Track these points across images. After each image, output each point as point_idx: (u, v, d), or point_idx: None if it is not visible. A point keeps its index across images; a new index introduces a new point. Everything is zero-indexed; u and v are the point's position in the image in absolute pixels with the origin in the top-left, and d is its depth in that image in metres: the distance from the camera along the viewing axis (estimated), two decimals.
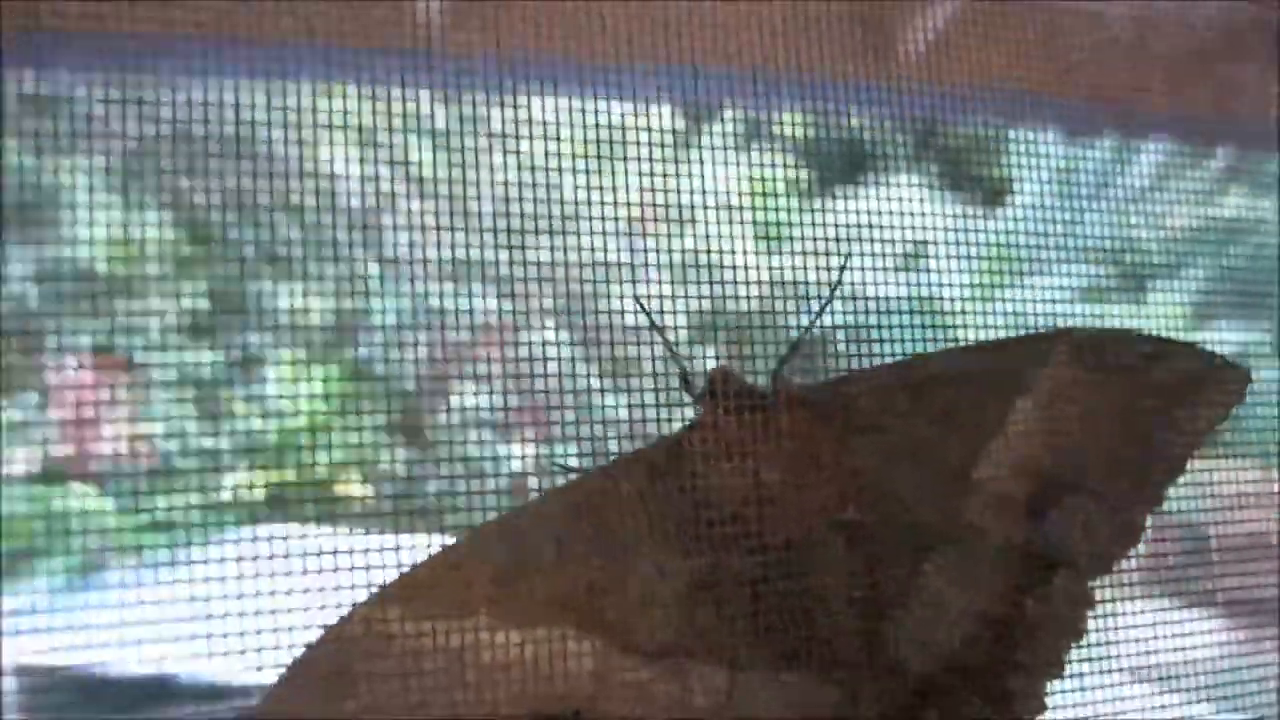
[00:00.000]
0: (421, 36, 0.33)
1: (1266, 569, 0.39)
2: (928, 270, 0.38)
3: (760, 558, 0.26)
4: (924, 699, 0.26)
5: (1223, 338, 0.35)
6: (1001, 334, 0.35)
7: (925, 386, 0.26)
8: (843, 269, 0.30)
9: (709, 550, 0.26)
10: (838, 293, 0.29)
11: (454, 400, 0.40)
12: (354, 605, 0.27)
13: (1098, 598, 0.27)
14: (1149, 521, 0.27)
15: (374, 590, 0.28)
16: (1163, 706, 0.38)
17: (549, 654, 0.24)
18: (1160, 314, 0.36)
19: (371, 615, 0.26)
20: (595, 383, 0.40)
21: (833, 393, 0.27)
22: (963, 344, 0.29)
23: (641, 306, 0.30)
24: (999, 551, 0.26)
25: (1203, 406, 0.26)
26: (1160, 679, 0.40)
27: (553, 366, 0.38)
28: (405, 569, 0.27)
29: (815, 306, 0.29)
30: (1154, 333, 0.29)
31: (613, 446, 0.41)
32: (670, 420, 0.40)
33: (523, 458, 0.41)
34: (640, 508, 0.26)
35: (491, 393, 0.38)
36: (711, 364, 0.28)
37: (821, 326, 0.29)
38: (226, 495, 0.37)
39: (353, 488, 0.41)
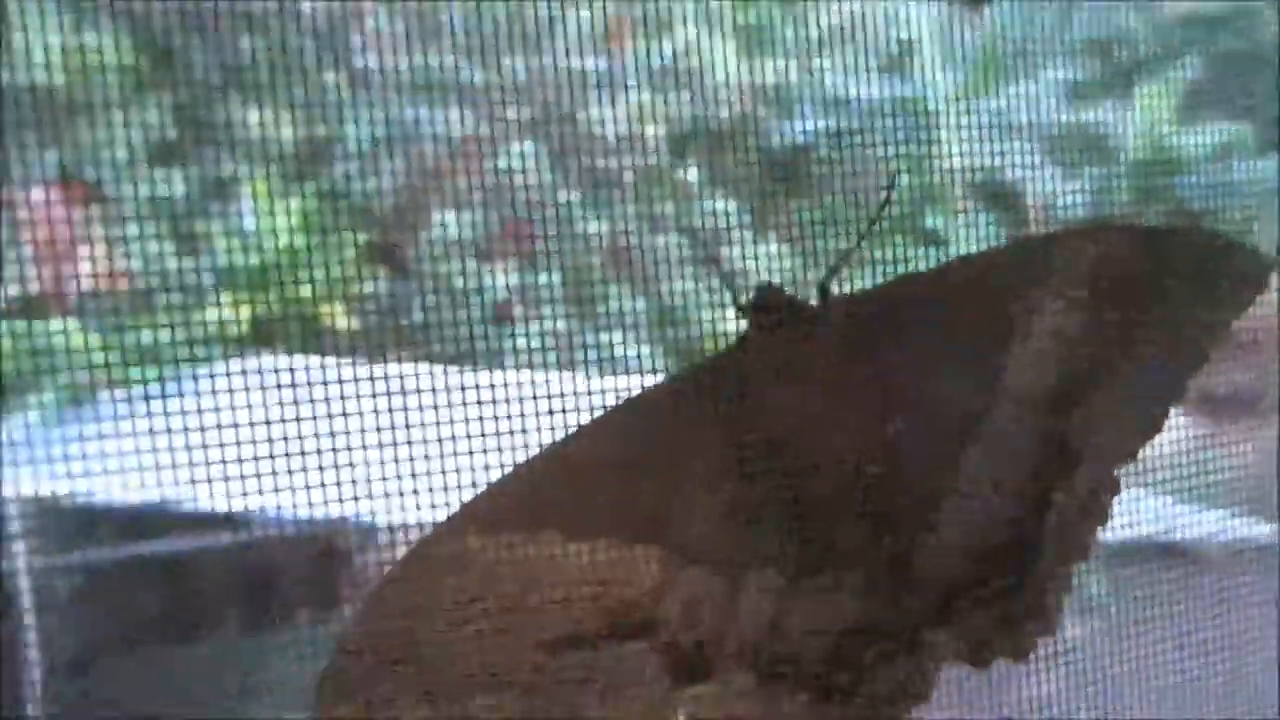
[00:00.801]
0: None
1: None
2: (912, 72, 0.37)
3: (810, 474, 0.27)
4: (965, 588, 0.28)
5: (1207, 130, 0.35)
6: (988, 134, 0.35)
7: (957, 292, 0.27)
8: (890, 187, 0.30)
9: (761, 468, 0.27)
10: (887, 210, 0.29)
11: (432, 222, 0.40)
12: (420, 537, 0.28)
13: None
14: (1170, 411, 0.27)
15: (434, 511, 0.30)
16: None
17: (619, 566, 0.26)
18: (1147, 108, 0.36)
19: (442, 541, 0.26)
20: (575, 198, 0.39)
21: (869, 303, 0.28)
22: (994, 241, 0.30)
23: (693, 234, 0.30)
24: (1028, 447, 0.27)
25: (1228, 296, 0.27)
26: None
27: (532, 183, 0.38)
28: (468, 499, 0.28)
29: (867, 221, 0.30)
30: (1171, 221, 0.30)
31: (596, 265, 0.41)
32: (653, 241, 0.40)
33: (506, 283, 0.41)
34: (694, 427, 0.27)
35: (473, 210, 0.38)
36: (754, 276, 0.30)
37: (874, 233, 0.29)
38: (209, 325, 0.37)
39: (335, 315, 0.40)
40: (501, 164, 0.38)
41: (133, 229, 0.36)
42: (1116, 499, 0.27)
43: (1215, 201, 0.37)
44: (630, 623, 0.26)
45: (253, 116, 0.37)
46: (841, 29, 0.34)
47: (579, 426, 0.28)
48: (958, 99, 0.35)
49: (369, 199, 0.40)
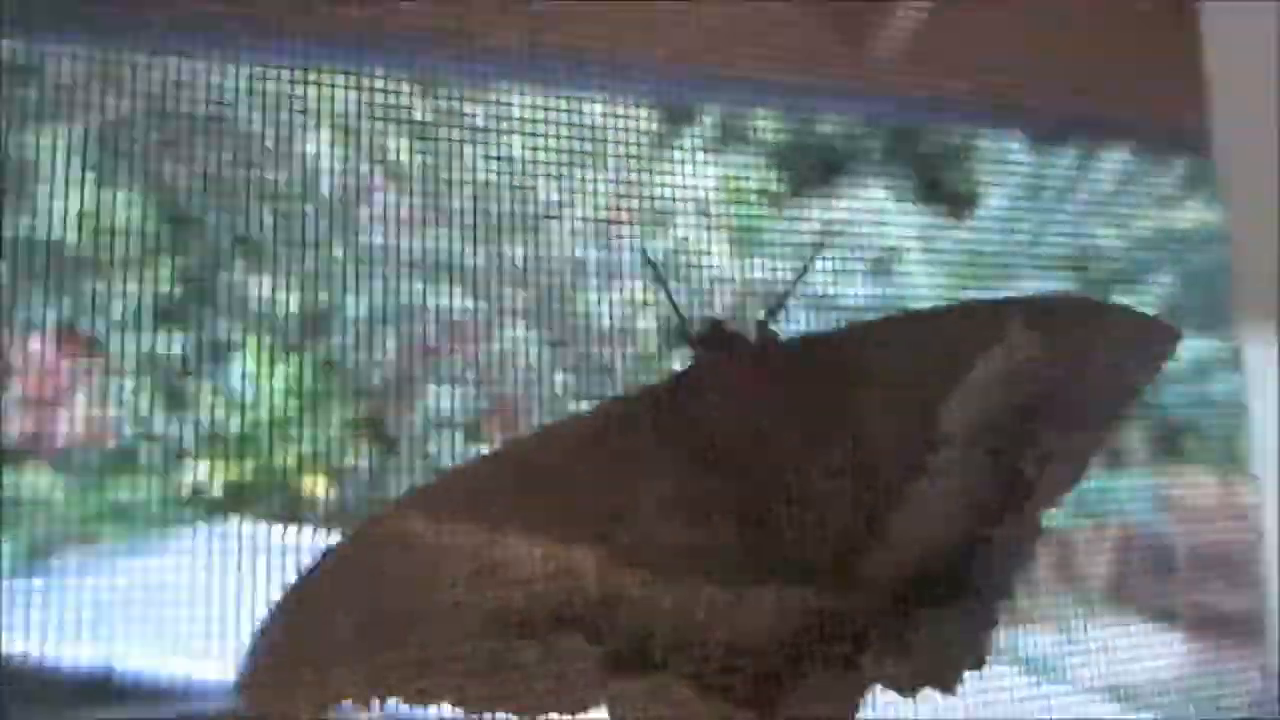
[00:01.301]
0: (405, 25, 0.33)
1: (1229, 583, 0.40)
2: (896, 275, 0.38)
3: (750, 485, 0.28)
4: (896, 610, 0.29)
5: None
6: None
7: (892, 344, 0.29)
8: (822, 243, 0.32)
9: (705, 479, 0.28)
10: (820, 254, 0.32)
11: (423, 398, 0.40)
12: (374, 512, 0.29)
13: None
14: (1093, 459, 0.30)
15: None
16: None
17: (562, 562, 0.27)
18: None
19: (393, 519, 0.27)
20: (566, 383, 0.40)
21: (808, 345, 0.30)
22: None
23: (646, 258, 0.31)
24: (964, 488, 0.29)
25: (1139, 359, 0.30)
26: (1126, 697, 0.40)
27: (524, 366, 0.38)
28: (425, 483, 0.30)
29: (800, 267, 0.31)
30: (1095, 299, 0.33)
31: None
32: None
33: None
34: (643, 439, 0.28)
35: (462, 391, 0.38)
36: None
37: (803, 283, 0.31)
38: (186, 486, 0.37)
39: (316, 485, 0.40)
40: (496, 346, 0.39)
41: (124, 384, 0.36)
42: (1040, 541, 0.30)
43: (1195, 412, 0.38)
44: (569, 616, 0.27)
45: (256, 283, 0.38)
46: (829, 232, 0.36)
47: (535, 430, 0.29)
48: (940, 301, 0.37)
49: (362, 371, 0.40)
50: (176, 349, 0.37)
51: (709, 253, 0.37)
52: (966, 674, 0.29)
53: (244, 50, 0.32)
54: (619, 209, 0.38)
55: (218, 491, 0.38)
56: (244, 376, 0.39)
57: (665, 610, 0.27)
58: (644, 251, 0.32)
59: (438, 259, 0.37)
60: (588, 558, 0.27)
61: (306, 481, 0.40)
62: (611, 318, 0.39)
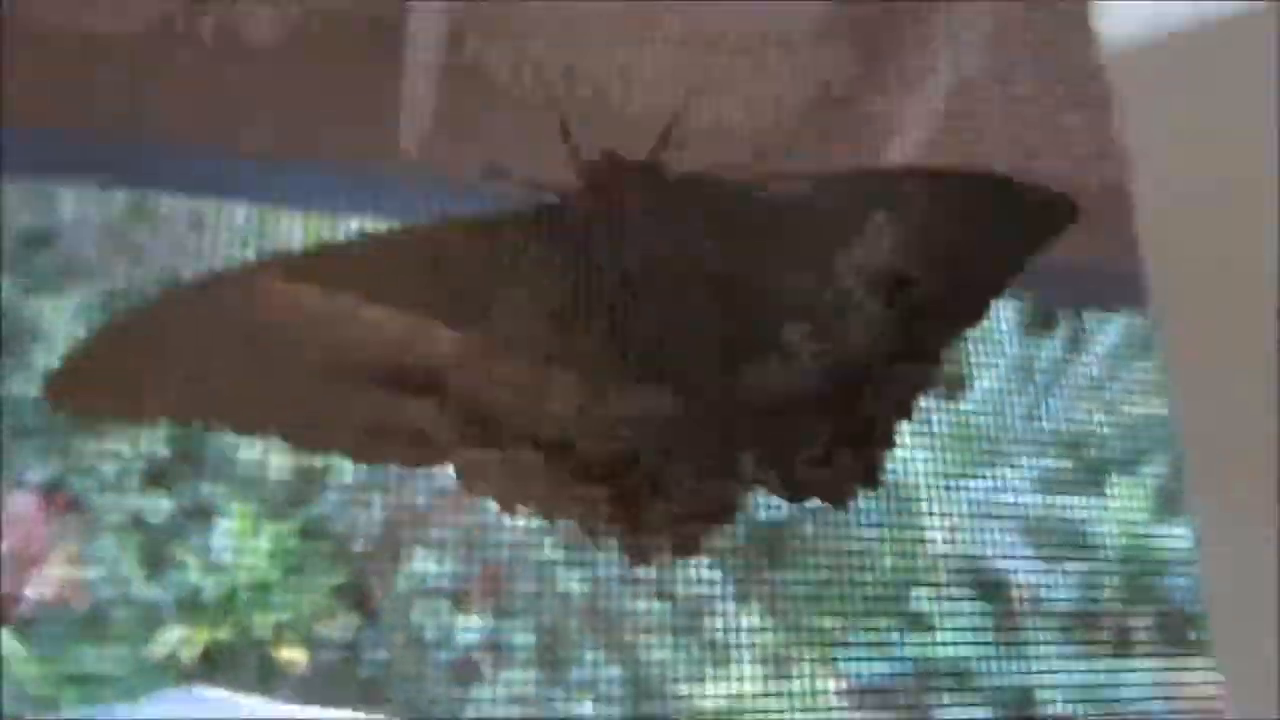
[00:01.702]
0: None
1: None
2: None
3: (630, 300, 0.29)
4: (767, 434, 0.29)
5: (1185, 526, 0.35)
6: (969, 520, 0.35)
7: (785, 195, 0.31)
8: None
9: (584, 289, 0.29)
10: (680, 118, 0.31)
11: (408, 565, 0.39)
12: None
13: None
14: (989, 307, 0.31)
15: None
16: None
17: (424, 331, 0.27)
18: (1123, 503, 0.36)
19: (249, 272, 0.27)
20: (555, 553, 0.39)
21: (698, 181, 0.30)
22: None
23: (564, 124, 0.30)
24: (857, 322, 0.30)
25: (1033, 228, 0.31)
26: None
27: (512, 534, 0.38)
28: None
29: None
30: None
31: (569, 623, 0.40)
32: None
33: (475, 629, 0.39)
34: (531, 244, 0.29)
35: (451, 556, 0.37)
36: None
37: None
38: (159, 651, 0.36)
39: (293, 653, 0.39)
40: (485, 515, 0.39)
41: (105, 544, 0.36)
42: (940, 371, 0.31)
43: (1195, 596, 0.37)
44: (424, 382, 0.27)
45: (246, 450, 0.38)
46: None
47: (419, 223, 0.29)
48: (936, 481, 0.36)
49: (348, 538, 0.40)
50: (162, 506, 0.37)
51: None
52: (859, 491, 0.30)
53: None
54: None
55: (191, 657, 0.37)
56: (229, 540, 0.38)
57: (524, 396, 0.28)
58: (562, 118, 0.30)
59: None
60: (452, 336, 0.28)
61: (283, 651, 0.39)
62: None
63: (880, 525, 0.37)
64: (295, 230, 0.36)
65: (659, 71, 0.37)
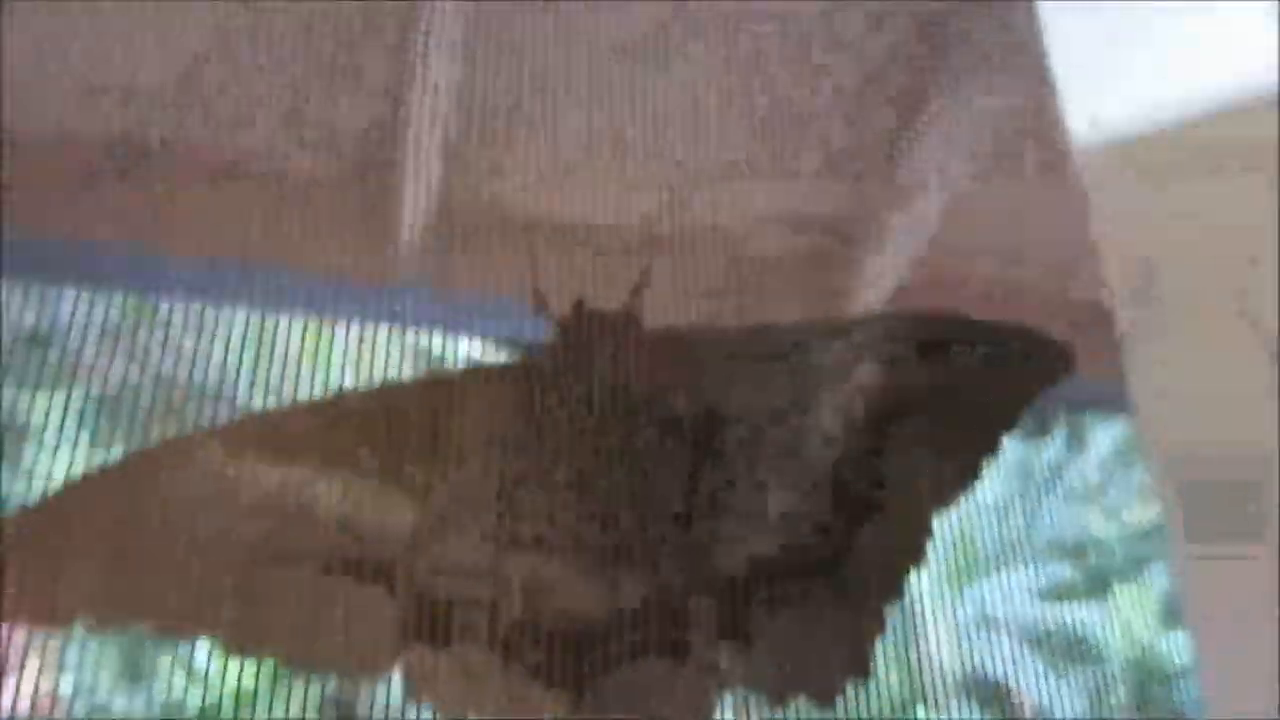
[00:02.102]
0: None
1: None
2: None
3: (593, 465, 0.27)
4: (744, 593, 0.27)
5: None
6: (971, 629, 0.35)
7: (773, 342, 0.29)
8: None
9: (548, 454, 0.27)
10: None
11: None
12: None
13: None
14: (985, 465, 0.30)
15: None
16: None
17: (374, 511, 0.25)
18: (1127, 611, 0.36)
19: (189, 445, 0.25)
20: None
21: (674, 336, 0.29)
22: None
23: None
24: (835, 477, 0.28)
25: (1027, 379, 0.30)
26: None
27: None
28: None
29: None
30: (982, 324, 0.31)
31: None
32: None
33: None
34: (495, 408, 0.27)
35: None
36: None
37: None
38: None
39: None
40: None
41: (82, 653, 0.34)
42: (930, 541, 0.28)
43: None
44: (373, 565, 0.25)
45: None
46: None
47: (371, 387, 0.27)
48: (935, 588, 0.36)
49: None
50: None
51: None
52: (848, 685, 0.27)
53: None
54: None
55: None
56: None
57: (481, 573, 0.26)
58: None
59: None
60: (406, 511, 0.26)
61: None
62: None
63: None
64: (294, 336, 0.36)
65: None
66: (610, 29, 0.37)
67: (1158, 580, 0.38)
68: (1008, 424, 0.30)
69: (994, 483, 0.37)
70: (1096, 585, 0.39)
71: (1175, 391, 0.27)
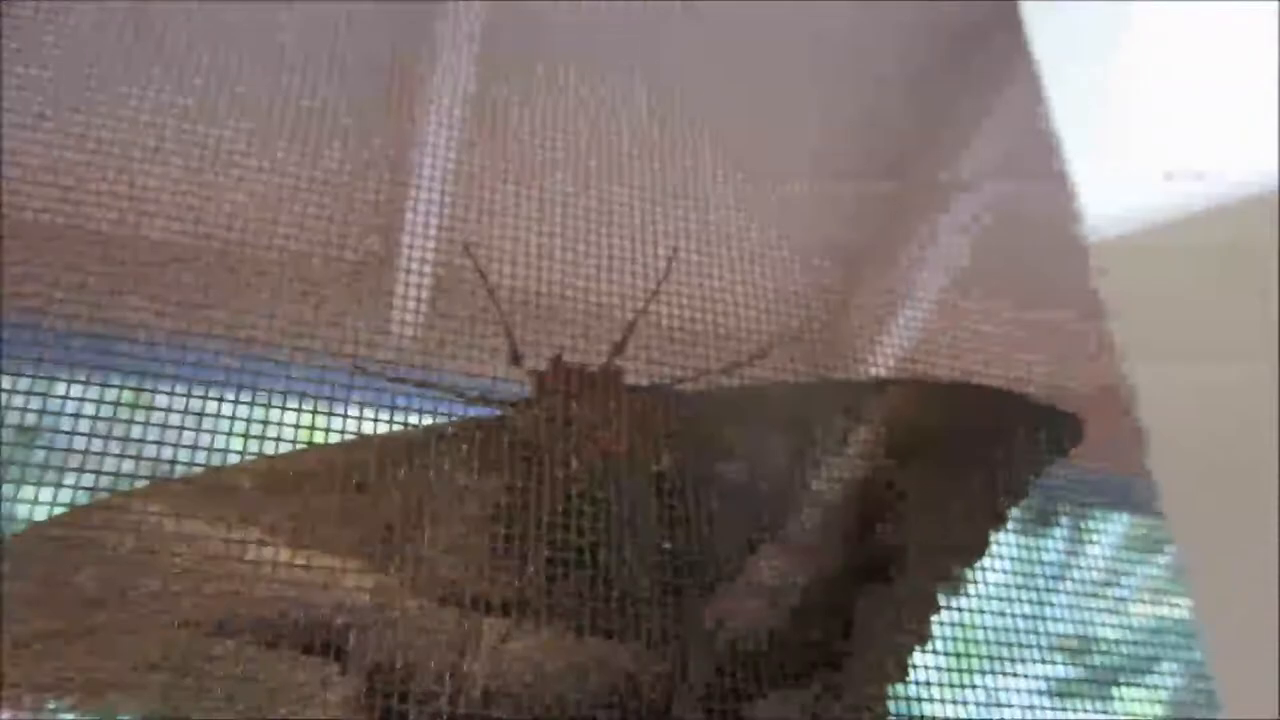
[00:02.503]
0: None
1: None
2: None
3: (573, 530, 0.25)
4: (735, 668, 0.25)
5: None
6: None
7: (767, 405, 0.28)
8: (670, 260, 0.30)
9: (521, 517, 0.25)
10: (665, 280, 0.30)
11: None
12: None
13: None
14: (992, 537, 0.28)
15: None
16: None
17: (324, 577, 0.23)
18: (1134, 714, 0.35)
19: (129, 501, 0.24)
20: None
21: (660, 395, 0.28)
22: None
23: (475, 263, 0.28)
24: (833, 552, 0.27)
25: (1037, 447, 0.29)
26: None
27: None
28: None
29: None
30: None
31: None
32: None
33: None
34: (455, 467, 0.26)
35: None
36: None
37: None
38: None
39: None
40: None
41: None
42: (935, 618, 0.27)
43: None
44: (324, 638, 0.23)
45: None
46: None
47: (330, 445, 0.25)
48: (939, 685, 0.35)
49: None
50: None
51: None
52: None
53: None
54: None
55: None
56: None
57: (444, 647, 0.24)
58: (474, 261, 0.28)
59: None
60: (365, 578, 0.24)
61: None
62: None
63: None
64: (289, 421, 0.36)
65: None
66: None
67: (1165, 679, 0.38)
68: (1016, 495, 0.29)
69: (994, 578, 0.36)
70: (1102, 684, 0.38)
71: None
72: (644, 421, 0.27)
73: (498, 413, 0.28)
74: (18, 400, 0.31)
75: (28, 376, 0.32)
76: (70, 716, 0.24)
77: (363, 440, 0.26)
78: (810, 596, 0.27)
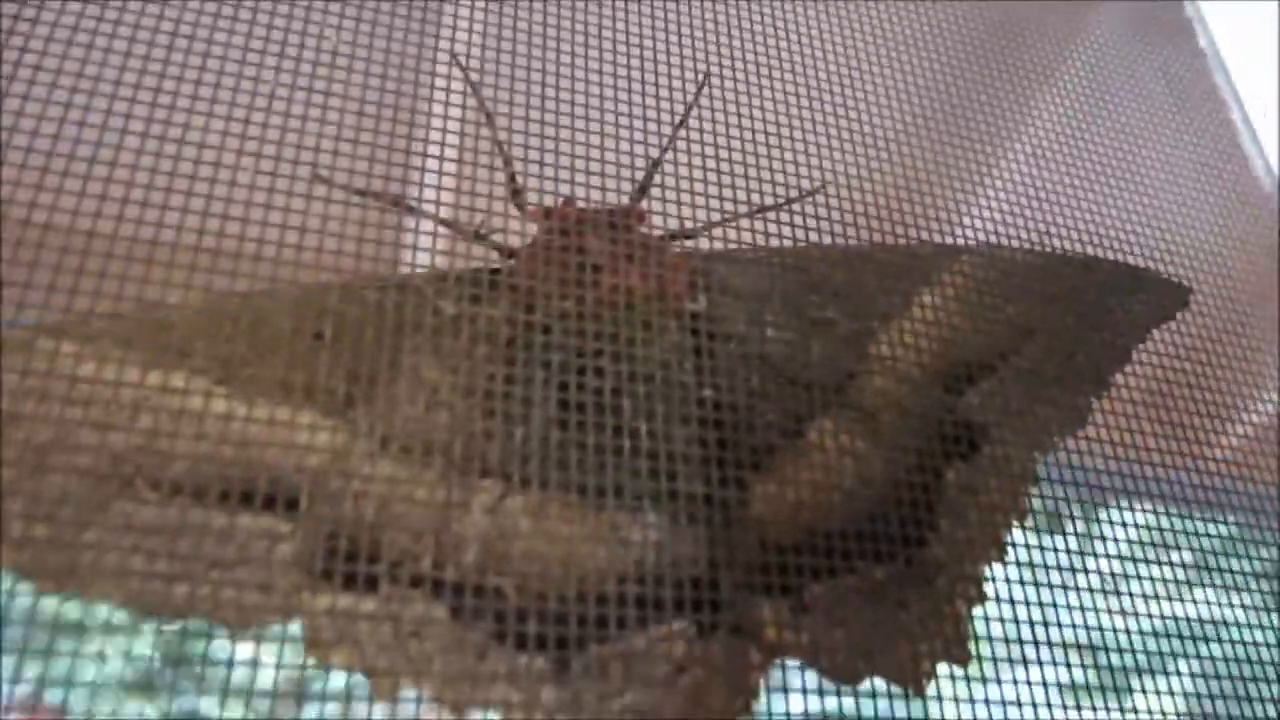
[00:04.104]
0: None
1: None
2: None
3: (590, 370, 0.22)
4: (794, 548, 0.21)
5: None
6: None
7: (817, 271, 0.24)
8: (699, 92, 0.26)
9: (521, 364, 0.22)
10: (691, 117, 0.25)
11: None
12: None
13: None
14: (1094, 404, 0.25)
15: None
16: None
17: (273, 429, 0.20)
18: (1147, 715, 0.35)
19: (30, 336, 0.20)
20: None
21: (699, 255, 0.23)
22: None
23: (462, 68, 0.23)
24: (908, 421, 0.23)
25: (1140, 306, 0.26)
26: None
27: None
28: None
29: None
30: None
31: None
32: None
33: None
34: (445, 313, 0.22)
35: None
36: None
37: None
38: None
39: None
40: None
41: None
42: (1035, 490, 0.22)
43: None
44: (267, 494, 0.20)
45: (240, 653, 0.37)
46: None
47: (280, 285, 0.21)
48: (950, 686, 0.35)
49: None
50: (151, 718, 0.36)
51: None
52: (940, 669, 0.22)
53: None
54: None
55: None
56: None
57: (424, 506, 0.20)
58: (468, 80, 0.23)
59: None
60: (322, 432, 0.20)
61: None
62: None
63: None
64: None
65: None
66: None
67: (1178, 679, 0.37)
68: (1119, 360, 0.27)
69: (1005, 578, 0.36)
70: (1115, 684, 0.38)
71: None
72: (674, 263, 0.24)
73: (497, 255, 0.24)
74: None
75: None
76: None
77: (346, 283, 0.22)
78: (884, 468, 0.24)
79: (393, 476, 0.21)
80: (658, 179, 0.26)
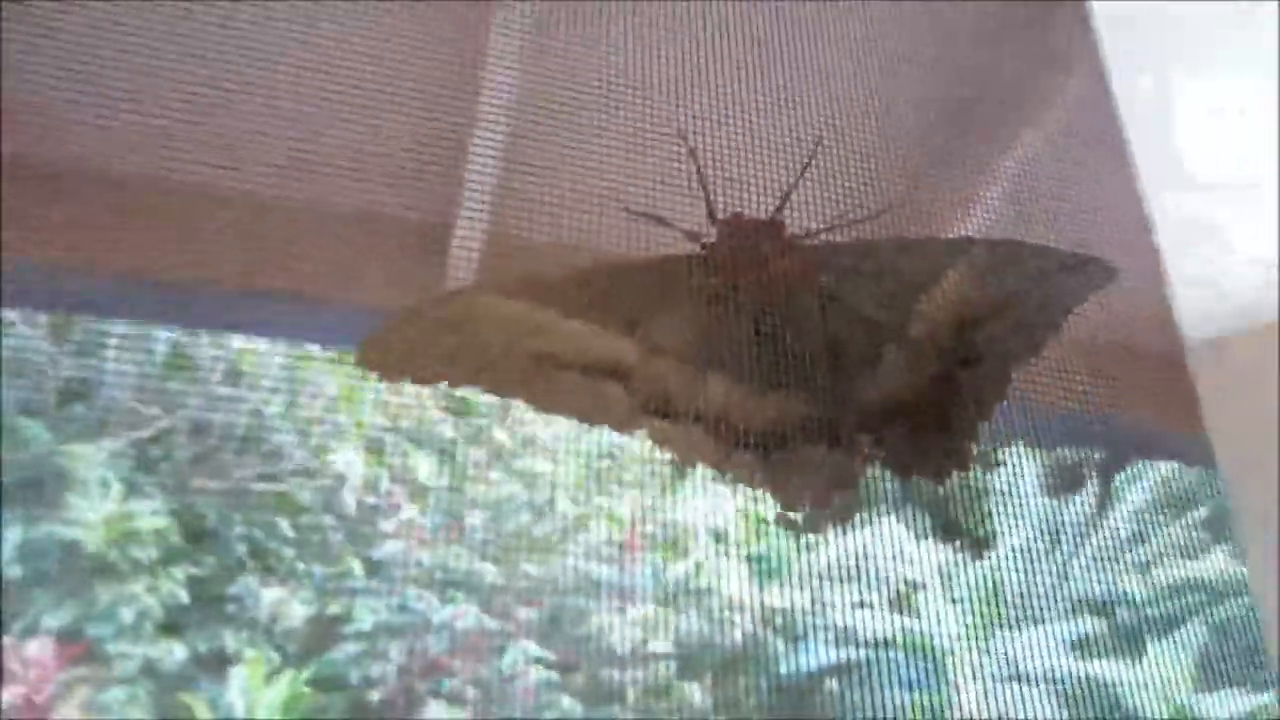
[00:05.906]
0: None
1: None
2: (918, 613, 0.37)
3: (764, 318, 0.37)
4: (877, 423, 0.37)
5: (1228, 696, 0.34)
6: (1000, 683, 0.34)
7: (880, 257, 0.40)
8: (814, 149, 0.41)
9: (725, 312, 0.37)
10: (816, 153, 0.41)
11: (422, 717, 0.38)
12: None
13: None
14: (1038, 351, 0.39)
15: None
16: None
17: (605, 338, 0.36)
18: (1161, 670, 0.35)
19: (472, 294, 0.36)
20: (576, 708, 0.38)
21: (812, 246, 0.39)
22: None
23: (679, 132, 0.39)
24: (939, 348, 0.38)
25: (1071, 287, 0.39)
26: None
27: (530, 688, 0.37)
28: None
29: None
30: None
31: None
32: None
33: None
34: (679, 280, 0.38)
35: (470, 707, 0.37)
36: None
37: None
38: None
39: None
40: (504, 664, 0.38)
41: (115, 694, 0.35)
42: (1012, 379, 0.38)
43: None
44: (610, 369, 0.36)
45: (267, 593, 0.37)
46: (849, 563, 0.36)
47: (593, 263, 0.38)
48: (964, 639, 0.35)
49: (363, 688, 0.39)
50: (178, 655, 0.36)
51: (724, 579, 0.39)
52: (952, 470, 0.37)
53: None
54: (636, 531, 0.40)
55: None
56: (242, 688, 0.38)
57: (687, 389, 0.36)
58: (679, 132, 0.39)
59: (451, 575, 0.36)
60: (628, 343, 0.36)
61: None
62: (622, 640, 0.38)
63: (911, 688, 0.36)
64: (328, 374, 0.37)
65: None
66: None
67: (1192, 638, 0.38)
68: (1063, 312, 0.39)
69: (1021, 536, 0.36)
70: (1129, 642, 0.39)
71: None
72: (805, 255, 0.39)
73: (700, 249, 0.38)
74: (64, 360, 0.32)
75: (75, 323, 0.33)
76: None
77: (626, 262, 0.37)
78: (930, 375, 0.38)
79: (667, 370, 0.37)
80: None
